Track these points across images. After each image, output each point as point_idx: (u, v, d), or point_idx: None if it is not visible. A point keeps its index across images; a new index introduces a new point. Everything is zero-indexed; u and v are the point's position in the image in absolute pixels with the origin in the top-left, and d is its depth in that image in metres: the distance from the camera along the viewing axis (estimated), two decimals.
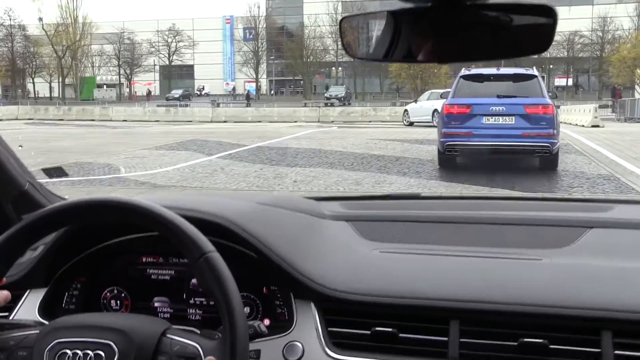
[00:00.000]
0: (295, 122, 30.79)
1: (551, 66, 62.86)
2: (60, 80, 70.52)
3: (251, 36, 73.20)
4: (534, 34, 0.97)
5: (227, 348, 0.97)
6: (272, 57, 74.85)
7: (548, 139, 10.21)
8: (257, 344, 1.21)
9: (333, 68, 74.60)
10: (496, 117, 10.44)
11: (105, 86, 74.53)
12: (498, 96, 10.54)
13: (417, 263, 1.39)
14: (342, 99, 52.94)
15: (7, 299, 1.14)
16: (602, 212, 1.69)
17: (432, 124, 23.89)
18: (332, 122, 30.25)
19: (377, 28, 1.04)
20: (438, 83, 60.86)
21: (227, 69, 79.84)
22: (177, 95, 64.02)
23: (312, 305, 1.30)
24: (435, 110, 23.77)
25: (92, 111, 36.88)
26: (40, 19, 68.36)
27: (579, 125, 24.31)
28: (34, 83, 71.70)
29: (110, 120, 33.62)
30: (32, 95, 67.95)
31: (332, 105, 44.86)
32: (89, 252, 1.47)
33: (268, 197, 1.65)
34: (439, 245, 1.49)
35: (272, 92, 67.06)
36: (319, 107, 36.93)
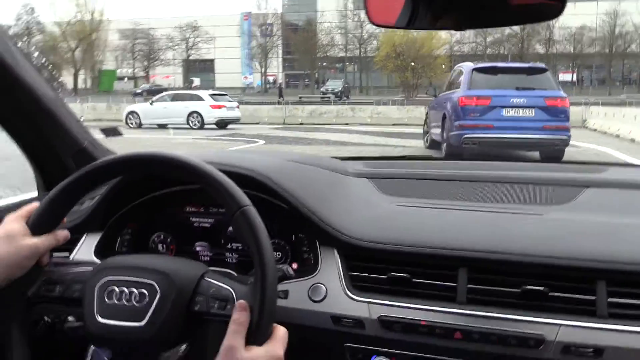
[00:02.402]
0: (257, 123, 26.54)
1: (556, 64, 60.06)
2: (75, 73, 72.59)
3: (262, 32, 74.59)
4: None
5: (257, 293, 1.03)
6: (275, 53, 76.08)
7: (566, 132, 10.37)
8: (285, 285, 1.34)
9: (346, 62, 74.76)
10: (516, 109, 10.36)
11: (126, 78, 76.94)
12: (517, 88, 10.46)
13: (430, 216, 1.48)
14: (339, 93, 50.07)
15: (67, 238, 1.21)
16: (598, 173, 1.78)
17: (186, 126, 22.39)
18: (301, 124, 25.78)
19: None
20: (434, 76, 55.21)
21: (245, 63, 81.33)
22: (140, 91, 53.15)
23: (335, 252, 1.41)
24: (195, 112, 22.58)
25: None
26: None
27: (637, 141, 16.15)
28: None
29: None
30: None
31: (328, 100, 42.64)
32: (139, 202, 1.60)
33: (298, 155, 1.82)
34: (450, 200, 1.57)
35: (268, 86, 67.25)
36: (287, 104, 31.50)
